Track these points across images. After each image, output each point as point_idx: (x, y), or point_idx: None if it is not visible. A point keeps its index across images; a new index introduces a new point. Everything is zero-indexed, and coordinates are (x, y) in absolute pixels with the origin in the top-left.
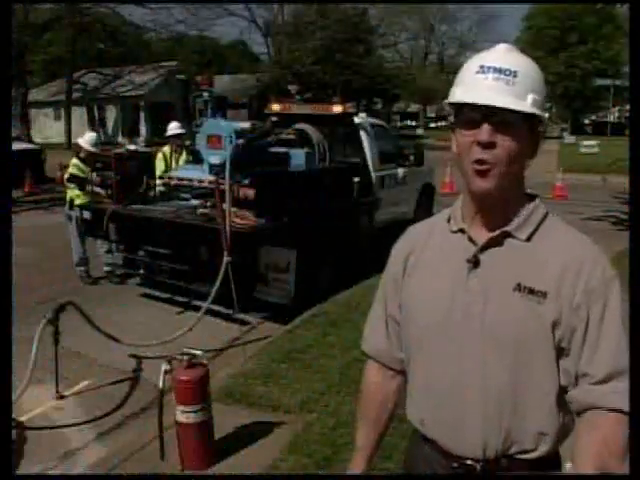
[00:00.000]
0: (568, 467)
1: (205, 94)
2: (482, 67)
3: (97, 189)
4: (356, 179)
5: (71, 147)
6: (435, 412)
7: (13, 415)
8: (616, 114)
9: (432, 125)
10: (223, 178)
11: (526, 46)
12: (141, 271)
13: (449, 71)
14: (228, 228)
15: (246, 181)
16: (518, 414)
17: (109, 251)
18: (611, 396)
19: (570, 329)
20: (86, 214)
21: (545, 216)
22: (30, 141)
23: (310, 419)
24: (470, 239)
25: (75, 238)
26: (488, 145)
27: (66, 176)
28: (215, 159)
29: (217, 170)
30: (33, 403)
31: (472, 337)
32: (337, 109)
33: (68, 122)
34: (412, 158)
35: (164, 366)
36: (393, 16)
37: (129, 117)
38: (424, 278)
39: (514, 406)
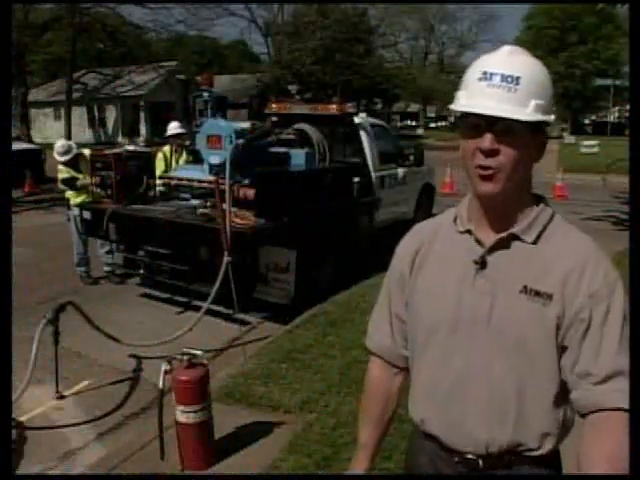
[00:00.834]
0: None
1: (205, 94)
2: (485, 73)
3: (85, 181)
4: (356, 179)
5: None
6: (439, 409)
7: (13, 415)
8: (616, 114)
9: (432, 125)
10: (223, 178)
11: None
12: (141, 271)
13: (449, 71)
14: (228, 228)
15: (246, 181)
16: (522, 413)
17: (109, 252)
18: (614, 395)
19: (573, 330)
20: (86, 214)
21: (551, 218)
22: (30, 141)
23: (310, 419)
24: (477, 240)
25: (75, 238)
26: (491, 153)
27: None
28: (215, 159)
29: (217, 170)
30: (33, 403)
31: (478, 337)
32: (336, 109)
33: (68, 122)
34: (412, 158)
35: (164, 366)
36: (393, 16)
37: (129, 117)
38: (431, 278)
39: (518, 405)
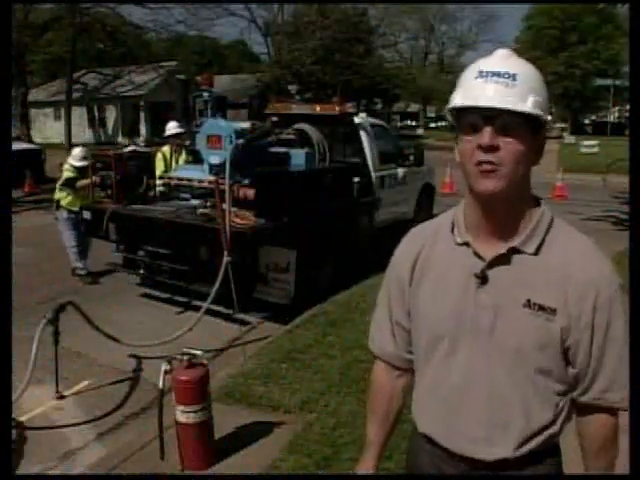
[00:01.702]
0: None
1: (205, 94)
2: (481, 72)
3: (85, 182)
4: (356, 179)
5: (71, 147)
6: (441, 416)
7: (13, 415)
8: (616, 114)
9: (432, 125)
10: (223, 178)
11: (526, 46)
12: (141, 271)
13: (449, 71)
14: (228, 228)
15: (246, 181)
16: (524, 422)
17: (82, 251)
18: (613, 395)
19: (577, 341)
20: (86, 214)
21: (551, 224)
22: (30, 141)
23: (310, 419)
24: (476, 254)
25: (66, 235)
26: (490, 149)
27: (60, 181)
28: (215, 159)
29: (217, 170)
30: (33, 403)
31: (480, 350)
32: (336, 109)
33: (68, 122)
34: (412, 158)
35: (164, 366)
36: (393, 16)
37: (129, 117)
38: (432, 289)
39: (521, 414)
